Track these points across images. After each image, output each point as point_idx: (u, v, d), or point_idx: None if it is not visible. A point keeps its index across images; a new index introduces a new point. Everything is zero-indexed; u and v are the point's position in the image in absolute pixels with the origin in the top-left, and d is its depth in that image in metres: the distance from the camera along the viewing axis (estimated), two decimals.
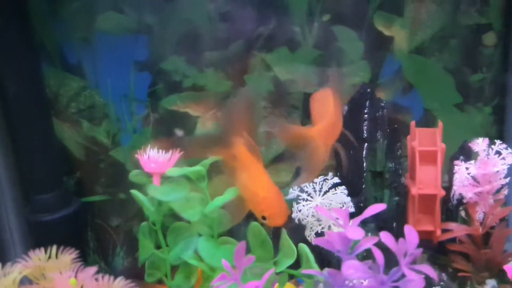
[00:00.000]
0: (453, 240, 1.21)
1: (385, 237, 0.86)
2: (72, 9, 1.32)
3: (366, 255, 1.16)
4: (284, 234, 1.09)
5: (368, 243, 0.92)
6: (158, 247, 1.15)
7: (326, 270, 0.94)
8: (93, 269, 0.88)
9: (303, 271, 1.00)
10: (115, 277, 0.90)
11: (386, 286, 0.87)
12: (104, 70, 1.36)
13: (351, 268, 0.86)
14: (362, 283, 0.93)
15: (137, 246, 1.17)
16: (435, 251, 1.23)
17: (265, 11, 1.34)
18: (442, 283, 1.21)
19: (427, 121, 1.41)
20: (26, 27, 1.27)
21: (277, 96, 1.40)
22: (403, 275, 0.88)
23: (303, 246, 1.04)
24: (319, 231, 1.17)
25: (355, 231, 0.92)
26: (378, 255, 0.87)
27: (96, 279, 0.86)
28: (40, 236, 1.21)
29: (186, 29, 1.34)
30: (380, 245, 0.86)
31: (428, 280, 0.99)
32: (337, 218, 0.93)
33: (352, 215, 0.93)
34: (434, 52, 1.38)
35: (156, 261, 1.17)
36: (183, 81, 1.38)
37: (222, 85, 1.39)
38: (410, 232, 0.88)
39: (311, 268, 1.02)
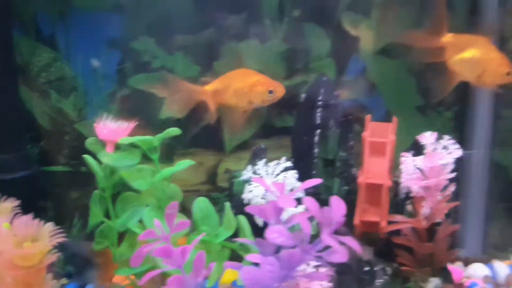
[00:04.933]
0: (398, 233, 1.22)
1: (309, 202, 0.88)
2: None
3: None
4: (228, 208, 1.11)
5: (301, 217, 0.94)
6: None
7: (256, 239, 0.96)
8: (28, 216, 0.91)
9: (237, 239, 1.02)
10: None
11: (309, 255, 0.90)
12: (76, 44, 1.41)
13: (275, 232, 0.88)
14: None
15: None
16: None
17: (238, 1, 1.39)
18: (385, 277, 1.22)
19: (387, 121, 1.44)
20: None
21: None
22: (328, 246, 0.90)
23: (241, 218, 1.07)
24: None
25: (286, 200, 0.94)
26: (305, 224, 0.90)
27: (27, 225, 0.88)
28: None
29: (159, 11, 1.40)
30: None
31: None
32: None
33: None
34: (398, 54, 1.42)
35: (105, 230, 1.20)
36: (152, 62, 1.43)
37: (190, 69, 1.43)
38: (337, 202, 0.91)
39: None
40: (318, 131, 1.22)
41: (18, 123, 1.36)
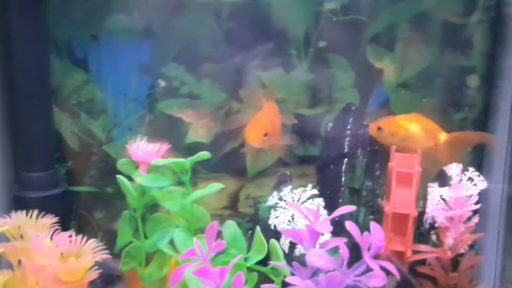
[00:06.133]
0: (423, 263, 1.24)
1: (351, 226, 0.90)
2: (84, 8, 1.42)
3: None
4: (258, 231, 1.12)
5: (336, 241, 0.96)
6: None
7: (293, 263, 0.98)
8: (68, 233, 0.91)
9: (272, 262, 1.03)
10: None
11: (348, 279, 0.91)
12: (107, 68, 1.44)
13: (315, 255, 0.90)
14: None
15: (116, 239, 1.21)
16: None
17: (265, 31, 1.43)
18: None
19: None
20: (40, 21, 1.37)
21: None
22: (367, 271, 0.92)
23: (273, 242, 1.08)
24: (293, 240, 1.21)
25: (323, 225, 0.96)
26: (344, 249, 0.91)
27: (70, 241, 0.89)
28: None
29: (188, 39, 1.43)
30: None
31: None
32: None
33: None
34: (420, 88, 1.46)
35: (132, 250, 1.20)
36: (181, 88, 1.45)
37: (216, 96, 1.46)
38: (375, 228, 0.92)
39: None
40: (346, 159, 1.24)
41: (49, 142, 1.38)
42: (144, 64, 1.45)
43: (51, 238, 0.91)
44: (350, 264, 0.91)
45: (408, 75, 1.46)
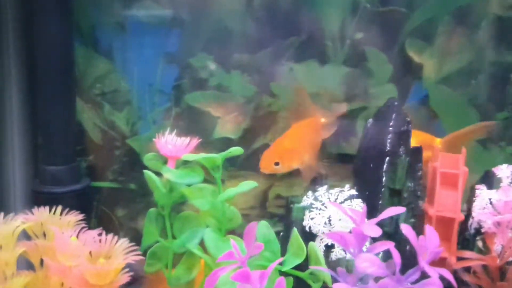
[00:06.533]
0: (467, 270, 1.16)
1: (407, 230, 0.82)
2: None
3: None
4: (295, 234, 1.05)
5: (383, 246, 0.88)
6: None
7: (338, 269, 0.90)
8: (95, 231, 0.84)
9: (312, 267, 0.96)
10: None
11: (402, 286, 0.83)
12: (133, 57, 1.37)
13: (366, 261, 0.82)
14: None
15: (138, 238, 1.14)
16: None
17: (299, 21, 1.36)
18: None
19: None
20: (64, 7, 1.29)
21: (299, 108, 1.39)
22: (421, 277, 0.84)
23: (313, 245, 1.00)
24: (329, 243, 1.13)
25: (372, 228, 0.88)
26: (395, 254, 0.84)
27: (99, 240, 0.82)
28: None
29: (218, 28, 1.36)
30: None
31: None
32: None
33: None
34: (461, 85, 1.38)
35: (158, 251, 1.13)
36: (209, 79, 1.38)
37: (246, 89, 1.39)
38: (431, 231, 0.85)
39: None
40: (388, 158, 1.16)
41: (71, 135, 1.30)
42: (171, 53, 1.38)
43: (77, 236, 0.83)
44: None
45: (448, 70, 1.38)
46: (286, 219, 1.27)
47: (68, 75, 1.30)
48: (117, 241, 0.83)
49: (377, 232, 0.87)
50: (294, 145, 1.30)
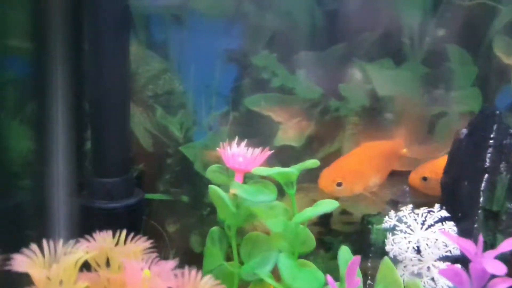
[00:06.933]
0: None
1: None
2: None
3: None
4: (387, 262, 0.91)
5: (506, 283, 0.75)
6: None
7: None
8: (171, 263, 0.71)
9: None
10: None
11: None
12: (189, 55, 1.23)
13: None
14: None
15: (191, 258, 1.00)
16: None
17: (374, 15, 1.22)
18: None
19: None
20: None
21: (371, 113, 1.26)
22: None
23: (414, 281, 0.86)
24: (415, 272, 0.99)
25: (495, 265, 0.74)
26: None
27: (176, 275, 0.68)
28: (90, 224, 1.04)
29: (284, 22, 1.23)
30: None
31: None
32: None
33: None
34: None
35: (221, 276, 1.00)
36: (272, 80, 1.24)
37: (312, 91, 1.25)
38: None
39: None
40: (487, 176, 1.01)
41: (127, 142, 1.16)
42: (231, 51, 1.24)
43: (149, 268, 0.70)
44: None
45: None
46: (358, 239, 1.15)
47: (123, 73, 1.14)
48: (197, 276, 0.70)
49: (502, 269, 0.73)
50: (361, 167, 1.19)
